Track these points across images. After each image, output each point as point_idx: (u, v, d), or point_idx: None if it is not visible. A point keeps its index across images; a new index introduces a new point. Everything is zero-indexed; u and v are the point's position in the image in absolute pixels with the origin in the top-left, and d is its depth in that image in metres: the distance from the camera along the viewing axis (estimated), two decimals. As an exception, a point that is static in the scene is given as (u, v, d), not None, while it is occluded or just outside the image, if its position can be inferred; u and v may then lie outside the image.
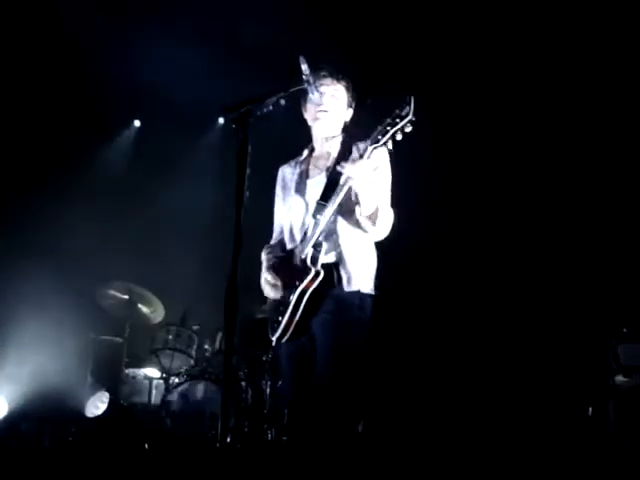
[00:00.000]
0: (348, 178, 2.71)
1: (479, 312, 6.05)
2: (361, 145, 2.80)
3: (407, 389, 5.91)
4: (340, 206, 2.81)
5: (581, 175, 6.07)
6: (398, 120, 2.59)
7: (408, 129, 2.59)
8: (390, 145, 2.65)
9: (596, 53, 5.80)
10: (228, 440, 4.92)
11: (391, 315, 5.58)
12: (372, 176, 2.76)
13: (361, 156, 2.70)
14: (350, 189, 2.75)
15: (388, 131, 2.61)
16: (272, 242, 3.25)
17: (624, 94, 5.79)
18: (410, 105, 2.58)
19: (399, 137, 2.61)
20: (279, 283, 2.96)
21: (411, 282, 6.19)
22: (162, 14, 6.09)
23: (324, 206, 2.86)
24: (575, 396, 5.04)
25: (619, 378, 4.58)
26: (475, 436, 5.21)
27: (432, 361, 6.00)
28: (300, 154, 3.21)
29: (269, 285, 3.01)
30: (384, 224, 2.84)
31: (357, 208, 2.79)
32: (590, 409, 4.72)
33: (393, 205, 2.93)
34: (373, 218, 2.79)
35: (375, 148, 2.67)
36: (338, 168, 2.75)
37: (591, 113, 5.97)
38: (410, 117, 2.56)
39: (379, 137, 2.64)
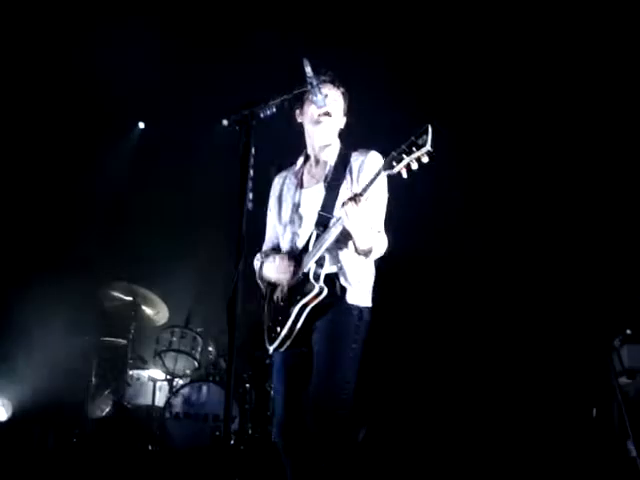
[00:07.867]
0: (341, 218, 2.59)
1: (482, 315, 6.04)
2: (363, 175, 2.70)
3: (409, 397, 5.90)
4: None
5: (584, 177, 6.06)
6: (414, 149, 2.44)
7: (425, 159, 2.43)
8: (405, 174, 2.50)
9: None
10: (232, 442, 4.93)
11: (392, 323, 5.58)
12: (369, 218, 2.63)
13: (359, 196, 2.55)
14: None
15: (403, 159, 2.47)
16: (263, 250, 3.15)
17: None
18: (427, 134, 2.42)
19: (415, 166, 2.46)
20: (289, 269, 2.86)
21: (411, 289, 6.18)
22: (162, 15, 6.11)
23: (326, 218, 2.80)
24: (579, 398, 5.04)
25: (623, 380, 4.57)
26: (478, 438, 5.21)
27: (434, 366, 5.98)
28: (294, 163, 3.12)
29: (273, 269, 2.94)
30: (377, 254, 2.78)
31: (351, 243, 2.71)
32: (594, 410, 4.71)
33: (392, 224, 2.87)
34: (367, 253, 2.73)
35: (388, 175, 2.55)
36: (341, 213, 2.62)
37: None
38: (427, 147, 2.41)
39: (393, 164, 2.51)
